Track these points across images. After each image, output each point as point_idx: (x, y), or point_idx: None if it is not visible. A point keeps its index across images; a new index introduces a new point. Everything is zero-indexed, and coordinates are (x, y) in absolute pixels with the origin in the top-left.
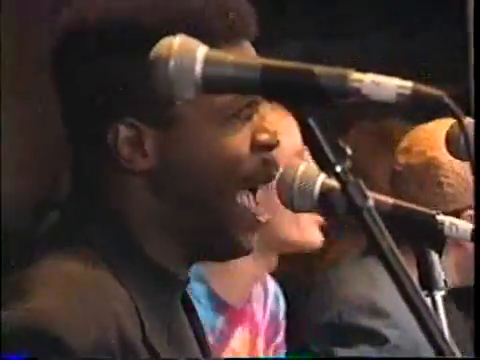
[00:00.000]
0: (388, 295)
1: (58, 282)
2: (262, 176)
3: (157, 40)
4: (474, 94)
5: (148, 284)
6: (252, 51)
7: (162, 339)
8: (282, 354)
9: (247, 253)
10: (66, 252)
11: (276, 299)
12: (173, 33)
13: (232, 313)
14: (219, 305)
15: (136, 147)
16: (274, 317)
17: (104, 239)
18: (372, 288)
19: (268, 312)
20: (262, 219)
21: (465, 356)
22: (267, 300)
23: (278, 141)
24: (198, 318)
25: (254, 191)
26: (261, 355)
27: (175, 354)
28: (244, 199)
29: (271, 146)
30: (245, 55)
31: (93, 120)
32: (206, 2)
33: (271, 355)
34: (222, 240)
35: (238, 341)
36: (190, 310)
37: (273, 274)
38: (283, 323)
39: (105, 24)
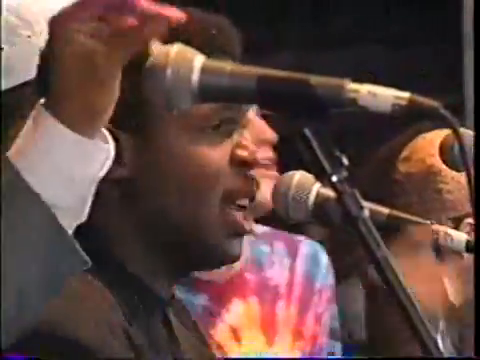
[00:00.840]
0: None
1: None
2: (243, 192)
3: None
4: (474, 102)
5: (132, 299)
6: None
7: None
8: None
9: (236, 259)
10: None
11: (313, 261)
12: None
13: (216, 288)
14: (196, 284)
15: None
16: (306, 278)
17: (86, 252)
18: None
19: (299, 274)
20: (247, 226)
21: None
22: (295, 262)
23: (256, 159)
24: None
25: (239, 207)
26: (286, 317)
27: None
28: (227, 210)
29: (250, 163)
30: None
31: None
32: (188, 19)
33: (312, 321)
34: (208, 251)
35: (236, 315)
36: (173, 337)
37: None
38: (324, 289)
39: None
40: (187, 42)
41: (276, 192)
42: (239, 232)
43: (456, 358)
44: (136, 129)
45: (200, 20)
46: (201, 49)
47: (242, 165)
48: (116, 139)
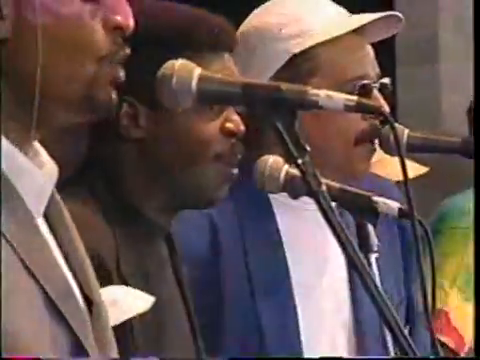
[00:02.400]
0: None
1: None
2: (229, 154)
3: (162, 45)
4: (474, 103)
5: (132, 228)
6: (231, 63)
7: (137, 278)
8: None
9: (219, 201)
10: (67, 193)
11: None
12: (175, 39)
13: None
14: None
15: (132, 120)
16: None
17: (100, 186)
18: None
19: None
20: (235, 171)
21: None
22: None
23: (242, 130)
24: (180, 262)
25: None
26: None
27: (149, 292)
28: (218, 166)
29: (235, 133)
30: (227, 68)
31: None
32: (197, 19)
33: None
34: (200, 194)
35: None
36: (174, 253)
37: None
38: None
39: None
40: (193, 38)
41: (255, 171)
42: (227, 178)
43: (456, 358)
44: (151, 105)
45: (204, 20)
46: (205, 44)
47: (230, 135)
48: (136, 109)
